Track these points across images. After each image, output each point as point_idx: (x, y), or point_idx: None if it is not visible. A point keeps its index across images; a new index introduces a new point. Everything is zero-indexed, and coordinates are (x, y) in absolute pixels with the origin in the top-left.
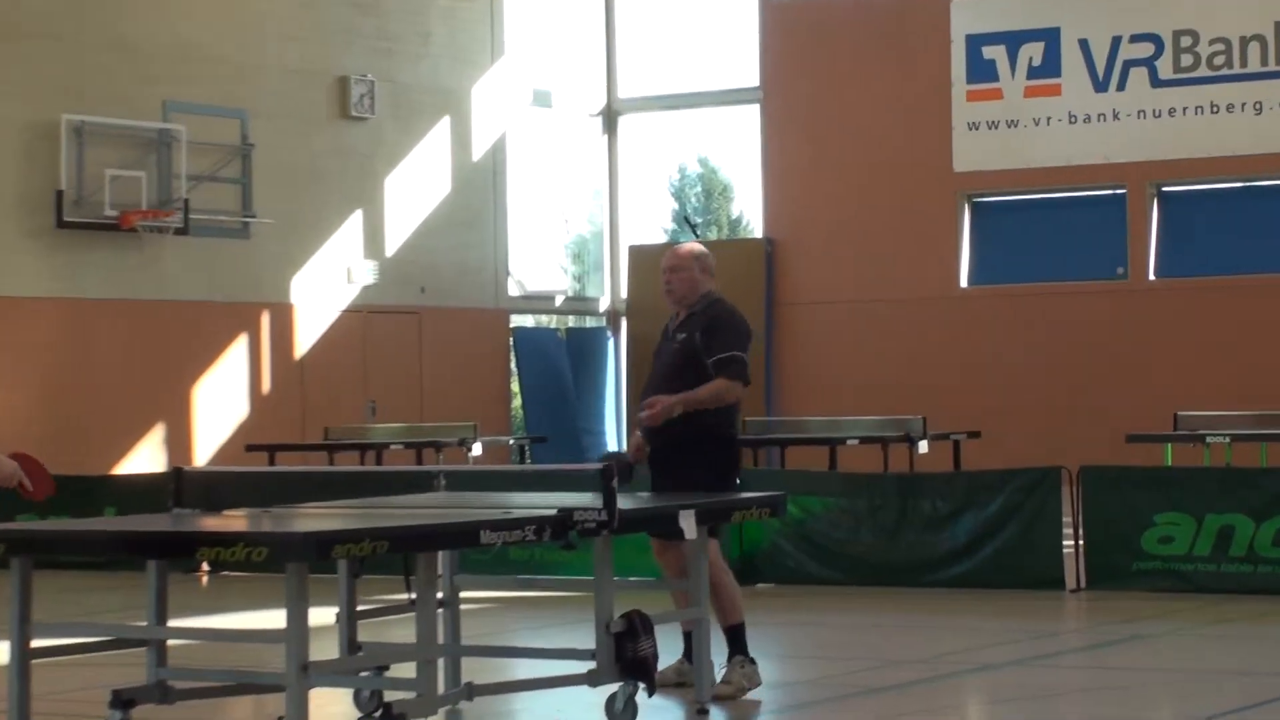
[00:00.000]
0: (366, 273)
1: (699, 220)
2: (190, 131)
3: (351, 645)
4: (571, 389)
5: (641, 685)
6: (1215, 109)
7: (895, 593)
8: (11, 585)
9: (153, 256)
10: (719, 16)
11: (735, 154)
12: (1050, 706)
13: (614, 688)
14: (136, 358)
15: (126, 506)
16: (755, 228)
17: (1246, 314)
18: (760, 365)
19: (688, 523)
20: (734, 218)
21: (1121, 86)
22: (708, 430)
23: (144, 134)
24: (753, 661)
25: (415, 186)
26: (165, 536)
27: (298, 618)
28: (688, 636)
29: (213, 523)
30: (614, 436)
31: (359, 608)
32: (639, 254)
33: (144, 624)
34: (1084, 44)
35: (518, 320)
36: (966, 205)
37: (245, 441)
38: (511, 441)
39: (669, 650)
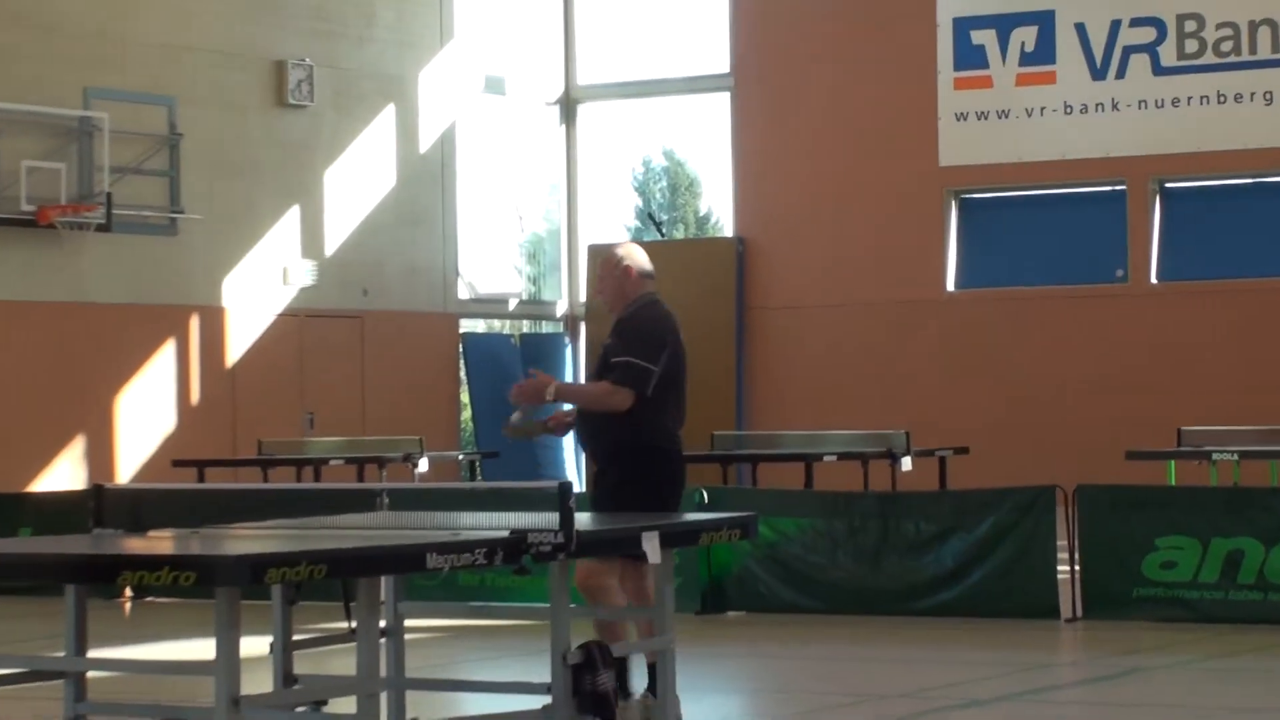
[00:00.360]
0: (304, 273)
1: (664, 218)
2: (113, 120)
3: (287, 678)
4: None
5: None
6: (1222, 99)
7: (876, 622)
8: None
9: (72, 255)
10: None
11: (703, 146)
12: None
13: None
14: (54, 365)
15: (43, 527)
16: (725, 226)
17: (1256, 321)
18: (731, 375)
19: (651, 545)
20: (702, 215)
21: (1121, 74)
22: (626, 444)
23: (63, 122)
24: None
25: (357, 180)
26: (85, 559)
27: (228, 648)
28: (651, 669)
29: (137, 544)
30: (572, 452)
31: (295, 637)
32: (599, 254)
33: (61, 655)
34: (1080, 28)
35: (468, 325)
36: (953, 203)
37: (172, 456)
38: (461, 457)
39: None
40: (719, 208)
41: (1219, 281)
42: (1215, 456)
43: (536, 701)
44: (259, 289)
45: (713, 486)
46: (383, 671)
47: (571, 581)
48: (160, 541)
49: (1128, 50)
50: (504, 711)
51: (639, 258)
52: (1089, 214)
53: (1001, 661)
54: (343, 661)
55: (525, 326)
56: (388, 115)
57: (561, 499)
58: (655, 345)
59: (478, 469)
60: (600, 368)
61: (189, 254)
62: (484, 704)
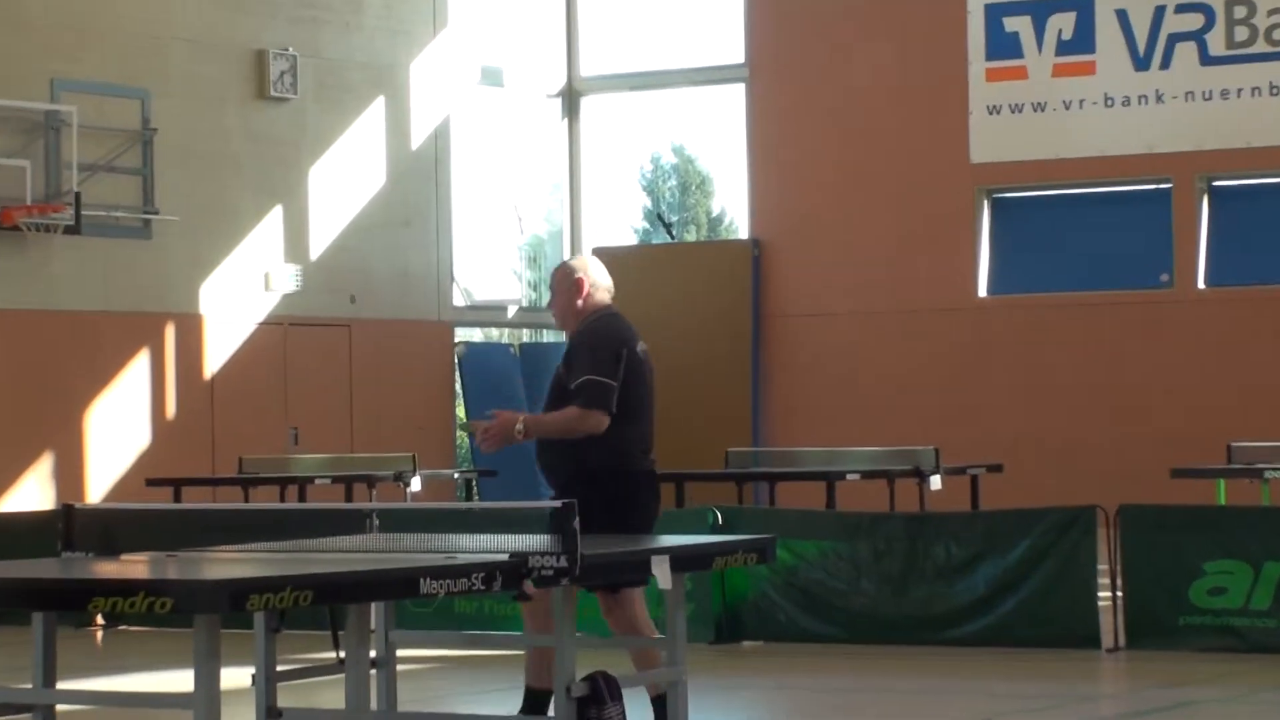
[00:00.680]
0: (287, 279)
1: (674, 219)
2: (83, 114)
3: (270, 711)
4: (526, 414)
5: None
6: (1275, 91)
7: (902, 652)
8: None
9: (38, 259)
10: None
11: (716, 142)
12: None
13: None
14: (19, 376)
15: (8, 550)
16: (740, 227)
17: None
18: (746, 388)
19: (661, 570)
20: (715, 215)
21: (1166, 64)
22: (588, 470)
23: (28, 116)
24: None
25: (344, 178)
26: (53, 585)
27: (207, 679)
28: (660, 701)
29: (109, 569)
30: None
31: (279, 668)
32: (604, 258)
33: (29, 686)
34: (1122, 15)
35: (464, 334)
36: (985, 202)
37: (146, 474)
38: (456, 475)
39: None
40: (733, 208)
41: (1270, 287)
42: (1268, 474)
43: None
44: (239, 295)
45: (727, 507)
46: (373, 705)
47: (596, 612)
48: (134, 565)
49: (1173, 38)
50: None
51: (594, 271)
52: (1131, 214)
53: (1038, 694)
54: (330, 694)
55: (525, 335)
56: (377, 108)
57: (564, 520)
58: (608, 358)
59: (474, 488)
60: (555, 395)
61: (164, 257)
62: None
